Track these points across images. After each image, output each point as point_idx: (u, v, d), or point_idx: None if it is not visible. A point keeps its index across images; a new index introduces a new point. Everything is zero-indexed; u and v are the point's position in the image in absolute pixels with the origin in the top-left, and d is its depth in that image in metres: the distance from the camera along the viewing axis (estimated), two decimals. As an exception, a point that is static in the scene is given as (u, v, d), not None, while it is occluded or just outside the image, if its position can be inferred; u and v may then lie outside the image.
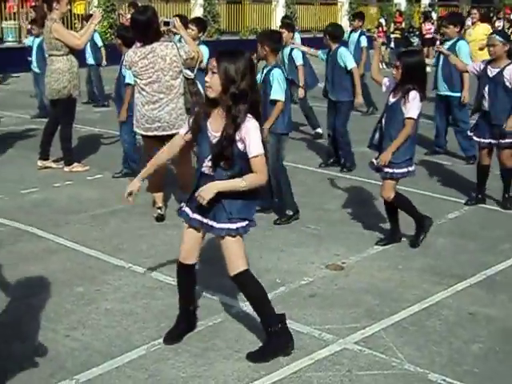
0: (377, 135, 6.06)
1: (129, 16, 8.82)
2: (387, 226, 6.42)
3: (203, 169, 4.10)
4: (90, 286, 5.25)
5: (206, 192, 3.97)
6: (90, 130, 11.25)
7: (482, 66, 7.23)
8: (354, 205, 7.40)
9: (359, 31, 12.73)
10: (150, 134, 6.58)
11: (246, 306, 4.89)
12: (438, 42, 9.96)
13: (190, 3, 24.94)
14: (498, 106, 7.04)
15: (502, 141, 7.07)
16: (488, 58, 7.50)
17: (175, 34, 9.38)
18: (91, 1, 21.78)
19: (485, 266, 5.78)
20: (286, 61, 10.14)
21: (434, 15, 25.67)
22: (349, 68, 8.70)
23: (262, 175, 4.00)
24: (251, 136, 3.93)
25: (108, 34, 21.09)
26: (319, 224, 6.76)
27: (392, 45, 22.42)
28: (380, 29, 22.57)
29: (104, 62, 13.95)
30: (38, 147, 8.82)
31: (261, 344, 4.34)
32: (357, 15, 13.52)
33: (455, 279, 5.49)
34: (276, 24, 26.71)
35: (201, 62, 6.94)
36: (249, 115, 3.95)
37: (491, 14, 23.98)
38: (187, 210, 4.23)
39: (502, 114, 7.00)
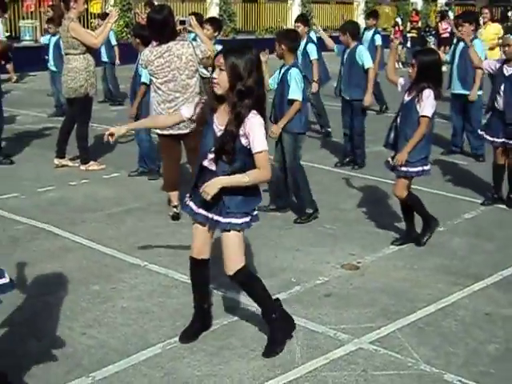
0: (392, 134, 6.05)
1: (145, 15, 8.83)
2: (402, 225, 6.40)
3: (204, 162, 4.11)
4: (106, 284, 5.27)
5: (211, 187, 3.98)
6: (106, 128, 11.16)
7: (498, 65, 7.20)
8: (369, 204, 7.39)
9: (373, 30, 12.71)
10: (165, 132, 6.59)
11: (262, 305, 4.91)
12: (455, 40, 9.87)
13: (206, 2, 24.97)
14: (514, 105, 7.01)
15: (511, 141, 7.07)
16: (498, 57, 7.47)
17: (190, 32, 9.42)
18: (107, 0, 21.86)
19: (501, 266, 5.76)
20: (300, 55, 10.14)
21: (451, 14, 25.51)
22: (366, 67, 8.69)
23: (266, 171, 4.01)
24: (255, 132, 3.94)
25: (124, 33, 21.16)
26: (335, 223, 6.75)
27: (408, 44, 22.33)
28: (396, 28, 22.49)
29: (117, 62, 13.97)
30: (55, 146, 8.86)
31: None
32: (371, 14, 13.50)
33: (471, 279, 5.47)
34: (292, 23, 26.73)
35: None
36: (254, 111, 3.96)
37: (509, 14, 23.83)
38: (191, 204, 4.24)
39: (517, 114, 6.97)
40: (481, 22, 14.25)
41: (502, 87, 7.07)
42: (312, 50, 10.26)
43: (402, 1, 31.34)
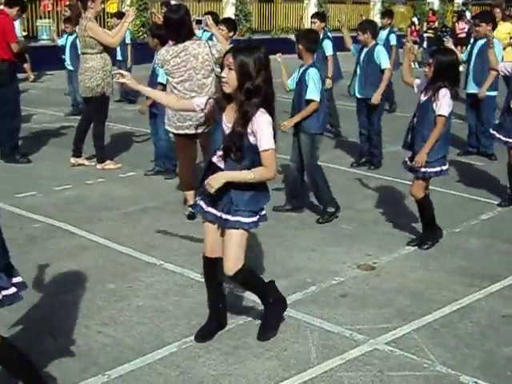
0: (409, 135, 6.03)
1: (161, 15, 8.86)
2: (419, 226, 6.37)
3: (213, 159, 4.13)
4: (122, 282, 5.29)
5: (215, 180, 4.00)
6: (122, 127, 11.33)
7: None
8: (385, 205, 7.37)
9: (388, 29, 12.68)
10: (181, 132, 6.61)
11: (277, 305, 4.91)
12: (472, 40, 9.85)
13: (222, 2, 25.01)
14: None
15: None
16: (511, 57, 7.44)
17: (205, 31, 9.43)
18: (124, -1, 21.95)
19: (518, 267, 5.73)
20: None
21: (468, 14, 25.39)
22: (383, 67, 8.67)
23: (271, 170, 4.01)
24: (263, 130, 3.95)
25: (140, 33, 21.23)
26: (351, 224, 6.74)
27: (425, 44, 22.26)
28: (413, 28, 22.42)
29: (129, 62, 13.96)
30: (71, 144, 8.90)
31: (293, 343, 4.37)
32: (386, 13, 13.47)
33: (488, 281, 5.44)
34: (308, 23, 26.72)
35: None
36: (262, 109, 3.97)
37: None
38: (201, 203, 4.26)
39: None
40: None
41: None
42: (328, 46, 10.29)
43: (419, 1, 31.24)
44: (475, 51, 9.50)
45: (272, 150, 3.99)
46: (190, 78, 6.46)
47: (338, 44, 10.50)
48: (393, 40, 12.50)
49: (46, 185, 7.93)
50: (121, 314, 4.77)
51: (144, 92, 4.51)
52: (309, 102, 6.60)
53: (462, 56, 9.68)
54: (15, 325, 4.47)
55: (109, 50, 8.51)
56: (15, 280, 3.26)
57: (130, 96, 14.04)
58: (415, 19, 24.15)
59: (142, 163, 8.79)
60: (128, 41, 13.97)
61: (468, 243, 6.30)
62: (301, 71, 6.71)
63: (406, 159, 6.03)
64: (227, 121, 4.06)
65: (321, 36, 10.08)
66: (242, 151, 3.99)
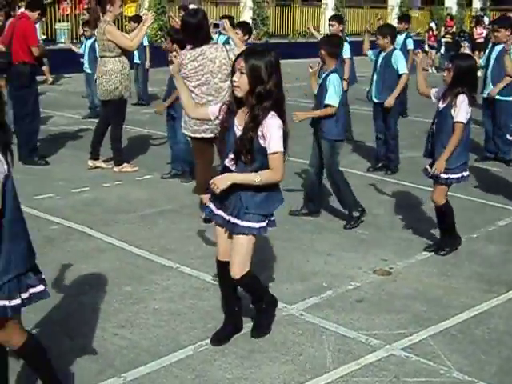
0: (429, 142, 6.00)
1: (179, 19, 8.87)
2: (436, 232, 6.35)
3: (226, 162, 4.15)
4: (139, 285, 5.31)
5: (220, 181, 4.03)
6: (139, 130, 11.38)
7: None
8: (402, 210, 7.35)
9: (405, 34, 12.64)
10: (198, 136, 6.62)
11: (293, 309, 4.92)
12: (490, 45, 9.85)
13: (240, 6, 25.05)
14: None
15: None
16: None
17: (221, 34, 9.45)
18: (142, 3, 22.01)
19: (536, 274, 5.69)
20: None
21: (486, 19, 25.28)
22: (400, 72, 8.66)
23: (278, 173, 4.02)
24: (272, 133, 3.96)
25: (158, 36, 21.30)
26: (367, 229, 6.72)
27: (443, 49, 22.18)
28: (430, 33, 22.36)
29: (147, 64, 14.01)
30: (89, 147, 8.95)
31: (308, 348, 4.37)
32: (403, 18, 13.45)
33: (505, 287, 5.41)
34: (325, 27, 26.70)
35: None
36: (273, 112, 3.98)
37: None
38: (212, 205, 4.27)
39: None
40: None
41: None
42: (345, 48, 10.28)
43: (437, 6, 31.15)
44: (493, 56, 9.47)
45: (280, 153, 3.99)
46: (207, 81, 6.47)
47: (355, 48, 10.50)
48: (410, 44, 12.47)
49: (63, 187, 7.98)
50: (137, 317, 4.79)
51: (179, 83, 4.48)
52: (327, 106, 6.61)
53: (480, 61, 9.65)
54: (33, 325, 4.49)
55: (127, 53, 8.56)
56: (42, 276, 3.31)
57: (142, 100, 14.09)
58: (433, 24, 24.08)
59: (159, 166, 8.82)
60: (146, 43, 14.03)
61: (485, 249, 6.27)
62: (323, 76, 6.73)
63: (427, 166, 6.00)
64: (239, 124, 4.08)
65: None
66: (252, 154, 4.00)
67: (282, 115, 4.04)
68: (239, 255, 4.20)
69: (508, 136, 7.51)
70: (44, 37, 18.34)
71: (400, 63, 8.67)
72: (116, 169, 8.79)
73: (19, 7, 14.14)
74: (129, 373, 4.08)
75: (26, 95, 8.82)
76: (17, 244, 3.15)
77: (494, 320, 4.86)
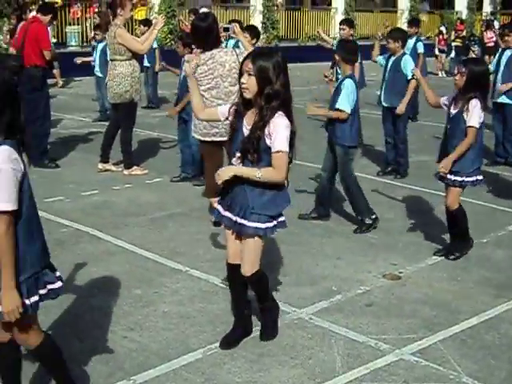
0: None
1: (189, 22, 8.92)
2: (446, 236, 6.33)
3: (232, 161, 4.17)
4: (148, 288, 5.32)
5: (223, 172, 4.08)
6: (148, 134, 11.40)
7: None
8: (412, 214, 7.34)
9: (415, 37, 12.64)
10: (207, 139, 6.62)
11: (302, 313, 4.92)
12: (500, 49, 9.86)
13: (250, 10, 25.08)
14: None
15: None
16: None
17: (231, 38, 9.48)
18: (152, 6, 22.08)
19: (546, 279, 5.67)
20: None
21: (496, 23, 25.23)
22: (408, 78, 8.66)
23: (280, 172, 4.02)
24: (278, 132, 3.98)
25: (168, 40, 21.36)
26: (377, 233, 6.71)
27: (453, 54, 22.14)
28: (440, 37, 22.32)
29: (157, 67, 14.03)
30: (99, 150, 8.97)
31: (318, 352, 4.37)
32: (412, 22, 13.46)
33: (515, 292, 5.40)
34: (335, 31, 26.71)
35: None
36: (280, 112, 4.00)
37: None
38: (219, 207, 4.29)
39: None
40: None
41: None
42: None
43: (447, 10, 31.12)
44: (503, 61, 9.46)
45: (284, 153, 4.00)
46: (217, 85, 6.48)
47: (364, 52, 10.48)
48: (420, 48, 12.49)
49: (73, 190, 8.01)
50: (147, 320, 4.80)
51: (192, 83, 4.48)
52: (337, 110, 6.62)
53: (491, 66, 9.64)
54: (43, 328, 4.50)
55: (137, 56, 8.59)
56: (57, 274, 3.35)
57: (152, 103, 14.13)
58: (443, 28, 24.04)
59: (169, 169, 8.84)
60: (155, 45, 14.05)
61: (495, 254, 6.25)
62: (339, 81, 6.75)
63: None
64: (247, 124, 4.09)
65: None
66: (258, 153, 4.02)
67: (289, 115, 4.06)
68: (248, 256, 4.23)
69: None
70: (55, 40, 18.40)
71: (409, 68, 8.66)
72: (126, 172, 8.82)
73: (30, 11, 14.23)
74: (138, 376, 4.08)
75: (37, 98, 8.86)
76: (32, 243, 3.18)
77: (504, 325, 4.85)
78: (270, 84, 3.96)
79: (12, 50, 9.70)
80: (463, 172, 5.78)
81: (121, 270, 5.67)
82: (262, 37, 22.57)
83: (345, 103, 6.58)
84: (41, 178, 8.34)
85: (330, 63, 12.59)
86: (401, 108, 8.66)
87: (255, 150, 4.01)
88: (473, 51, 22.24)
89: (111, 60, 8.61)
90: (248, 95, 4.04)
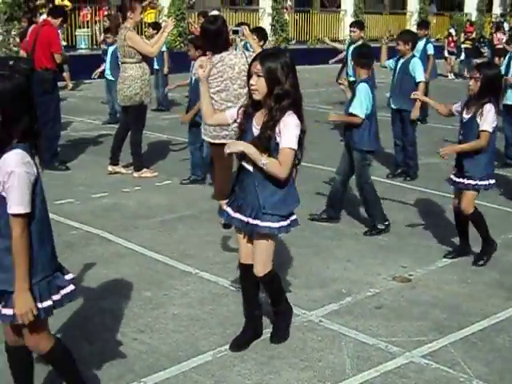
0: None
1: (198, 25, 8.94)
2: (456, 238, 6.32)
3: (243, 162, 4.17)
4: (158, 290, 5.33)
5: (234, 144, 4.08)
6: (158, 136, 11.42)
7: None
8: (421, 216, 7.32)
9: (424, 39, 12.62)
10: (217, 141, 6.64)
11: (312, 316, 4.91)
12: (510, 52, 9.85)
13: (259, 12, 25.09)
14: None
15: None
16: None
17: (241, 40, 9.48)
18: (162, 9, 22.12)
19: (557, 282, 5.64)
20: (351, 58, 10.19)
21: (506, 25, 25.14)
22: (417, 80, 8.66)
23: (285, 168, 4.01)
24: (288, 130, 3.99)
25: (177, 42, 21.39)
26: (387, 235, 6.70)
27: (462, 55, 22.09)
28: (450, 39, 22.27)
29: (165, 69, 14.04)
30: (109, 152, 9.00)
31: (328, 354, 4.37)
32: (421, 24, 13.45)
33: (526, 295, 5.38)
34: (344, 33, 26.68)
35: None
36: (290, 111, 4.01)
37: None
38: (228, 209, 4.28)
39: None
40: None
41: None
42: None
43: (457, 12, 31.04)
44: (515, 63, 9.44)
45: (291, 150, 4.00)
46: (226, 88, 6.49)
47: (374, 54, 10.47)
48: (430, 49, 12.48)
49: (83, 192, 8.03)
50: (156, 322, 4.81)
51: (203, 88, 4.48)
52: (351, 115, 6.62)
53: (501, 69, 9.62)
54: (53, 330, 4.51)
55: (147, 59, 8.61)
56: (67, 277, 3.36)
57: (162, 105, 14.15)
58: (452, 30, 23.98)
59: (178, 172, 8.85)
60: (164, 48, 14.07)
61: (506, 256, 6.22)
62: (355, 86, 6.76)
63: (451, 176, 5.97)
64: (257, 124, 4.10)
65: (359, 43, 10.11)
66: (269, 153, 4.03)
67: (299, 115, 4.06)
68: (260, 256, 4.23)
69: None
70: (65, 43, 18.45)
71: (417, 71, 8.66)
72: (135, 174, 8.83)
73: (41, 14, 14.27)
74: (148, 378, 4.09)
75: (48, 101, 8.89)
76: (43, 247, 3.20)
77: (515, 328, 4.84)
78: (279, 84, 3.97)
79: (22, 53, 9.73)
80: (476, 176, 5.76)
81: (131, 272, 5.68)
82: (270, 39, 22.63)
83: (357, 108, 6.56)
84: (51, 181, 8.35)
85: (337, 65, 12.61)
86: (415, 113, 8.67)
87: (266, 149, 4.02)
88: (482, 53, 22.21)
89: (121, 63, 8.63)
90: (257, 96, 4.05)
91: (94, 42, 20.20)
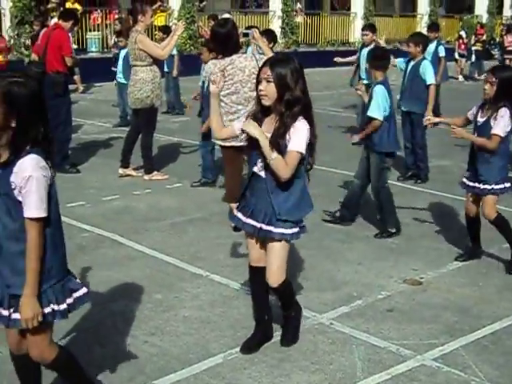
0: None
1: (208, 28, 8.96)
2: (467, 241, 6.30)
3: (254, 168, 4.17)
4: (169, 293, 5.34)
5: (252, 126, 4.04)
6: (168, 139, 11.44)
7: None
8: (432, 219, 7.30)
9: (435, 42, 12.60)
10: (227, 144, 6.63)
11: (323, 318, 4.91)
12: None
13: (269, 15, 25.11)
14: None
15: None
16: None
17: (248, 45, 9.51)
18: (172, 13, 22.17)
19: None
20: (363, 61, 10.18)
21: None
22: (428, 83, 8.65)
23: (289, 169, 4.01)
24: (297, 134, 4.00)
25: (187, 45, 21.44)
26: (397, 238, 6.69)
27: (473, 58, 22.04)
28: (460, 41, 22.22)
29: (175, 72, 14.05)
30: (119, 155, 9.02)
31: (339, 357, 4.37)
32: (432, 26, 13.43)
33: (538, 298, 5.35)
34: (354, 36, 26.67)
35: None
36: (301, 117, 4.02)
37: None
38: (239, 214, 4.28)
39: None
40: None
41: None
42: None
43: (467, 14, 30.97)
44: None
45: (298, 154, 4.01)
46: (236, 91, 6.50)
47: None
48: (441, 52, 12.47)
49: (94, 195, 8.06)
50: (167, 324, 4.81)
51: (213, 103, 4.46)
52: (370, 119, 6.59)
53: None
54: (64, 333, 4.54)
55: (158, 62, 8.63)
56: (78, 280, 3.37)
57: (175, 109, 14.17)
58: (463, 32, 23.94)
59: (189, 174, 8.86)
60: (174, 51, 14.09)
61: (517, 259, 6.20)
62: (371, 89, 6.75)
63: (464, 179, 5.95)
64: (267, 131, 4.09)
65: (372, 47, 10.10)
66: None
67: (310, 120, 4.07)
68: (275, 263, 4.22)
69: None
70: (75, 46, 18.53)
71: (428, 73, 8.65)
72: (146, 177, 8.85)
73: (52, 17, 14.34)
74: (159, 380, 4.10)
75: (59, 104, 8.92)
76: (57, 251, 3.21)
77: (527, 331, 4.82)
78: (289, 90, 3.98)
79: (34, 57, 9.78)
80: (491, 180, 5.74)
81: (141, 274, 5.69)
82: (280, 42, 22.65)
83: (375, 110, 6.55)
84: (62, 184, 8.33)
85: (347, 67, 12.57)
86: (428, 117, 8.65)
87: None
88: (493, 55, 22.13)
89: (132, 66, 8.66)
90: (267, 102, 4.05)
91: (105, 45, 20.28)
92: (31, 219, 3.04)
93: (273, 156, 3.99)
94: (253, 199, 4.21)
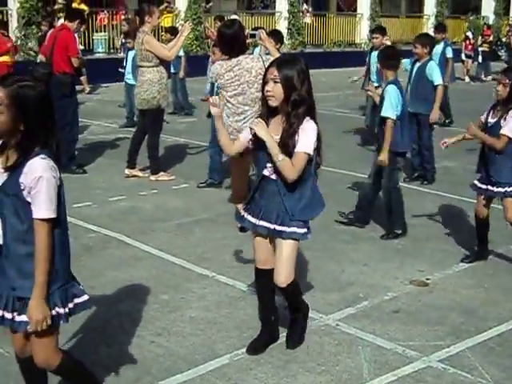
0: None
1: (214, 29, 8.96)
2: (473, 243, 6.29)
3: (264, 171, 4.17)
4: (175, 293, 5.34)
5: (260, 126, 4.03)
6: (175, 140, 11.45)
7: None
8: (438, 220, 7.29)
9: (442, 43, 12.58)
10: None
11: (329, 320, 4.91)
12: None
13: (275, 16, 25.12)
14: None
15: None
16: None
17: (255, 46, 9.50)
18: (178, 14, 22.20)
19: None
20: (373, 63, 10.17)
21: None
22: (435, 84, 8.63)
23: (294, 172, 4.01)
24: (306, 134, 4.01)
25: (194, 46, 21.46)
26: (403, 239, 6.68)
27: (480, 58, 21.99)
28: (467, 42, 22.19)
29: (182, 73, 14.05)
30: (126, 156, 9.03)
31: (345, 358, 4.37)
32: (438, 27, 13.41)
33: (544, 300, 5.34)
34: (360, 37, 26.66)
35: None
36: (307, 117, 4.04)
37: None
38: (250, 217, 4.29)
39: None
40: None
41: None
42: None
43: (475, 15, 30.91)
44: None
45: (305, 155, 4.02)
46: (243, 91, 6.51)
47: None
48: (449, 53, 12.45)
49: (100, 195, 8.07)
50: (174, 325, 4.82)
51: (218, 124, 4.45)
52: (384, 119, 6.57)
53: None
54: (71, 333, 4.55)
55: (165, 63, 8.65)
56: (81, 287, 3.36)
57: (185, 110, 14.18)
58: (469, 33, 23.89)
59: (195, 175, 8.87)
60: (181, 53, 14.10)
61: (524, 261, 6.20)
62: (383, 89, 6.74)
63: (475, 182, 5.94)
64: (274, 133, 4.09)
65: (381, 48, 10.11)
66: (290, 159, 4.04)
67: (314, 121, 4.09)
68: (285, 263, 4.22)
69: None
70: (82, 47, 18.56)
71: (435, 74, 8.63)
72: (152, 177, 8.87)
73: (58, 18, 14.37)
74: (166, 380, 4.10)
75: (66, 105, 8.94)
76: (63, 254, 3.21)
77: (533, 333, 4.81)
78: (295, 91, 4.00)
79: (41, 57, 9.80)
80: (503, 182, 5.73)
81: (148, 275, 5.70)
82: (287, 43, 22.64)
83: (388, 110, 6.53)
84: (68, 184, 8.35)
85: (354, 68, 12.52)
86: (433, 116, 8.67)
87: (287, 156, 4.03)
88: (500, 56, 22.09)
89: (139, 66, 8.67)
90: (274, 103, 4.06)
91: (111, 46, 20.31)
92: (41, 220, 3.04)
93: (280, 158, 3.99)
94: (262, 201, 4.21)
